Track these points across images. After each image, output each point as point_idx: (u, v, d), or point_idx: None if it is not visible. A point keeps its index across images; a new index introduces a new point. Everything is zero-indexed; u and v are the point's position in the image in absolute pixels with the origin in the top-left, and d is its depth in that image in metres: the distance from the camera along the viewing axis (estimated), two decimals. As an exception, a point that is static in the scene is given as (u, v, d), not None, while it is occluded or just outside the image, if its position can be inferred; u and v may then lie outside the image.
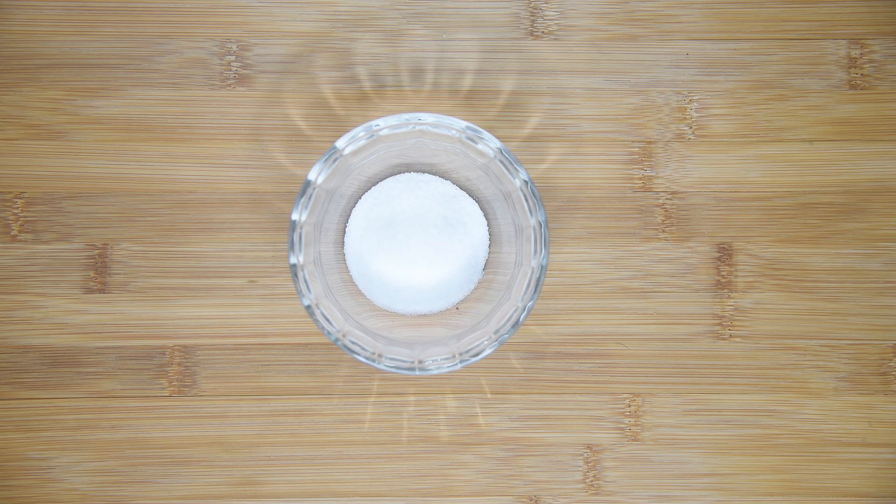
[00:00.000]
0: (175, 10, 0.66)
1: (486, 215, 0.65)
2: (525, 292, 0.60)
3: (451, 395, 0.66)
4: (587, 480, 0.67)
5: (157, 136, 0.66)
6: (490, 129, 0.66)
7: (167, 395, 0.66)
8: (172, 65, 0.66)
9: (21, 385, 0.66)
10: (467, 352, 0.60)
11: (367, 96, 0.66)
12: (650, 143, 0.67)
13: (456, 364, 0.60)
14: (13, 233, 0.66)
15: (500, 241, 0.65)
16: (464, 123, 0.59)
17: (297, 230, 0.60)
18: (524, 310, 0.60)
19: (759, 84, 0.67)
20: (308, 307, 0.60)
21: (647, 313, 0.67)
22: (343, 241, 0.65)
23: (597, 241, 0.67)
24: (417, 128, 0.60)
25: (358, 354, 0.60)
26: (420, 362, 0.60)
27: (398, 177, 0.65)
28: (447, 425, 0.66)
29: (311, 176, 0.60)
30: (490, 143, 0.60)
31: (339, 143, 0.60)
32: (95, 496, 0.66)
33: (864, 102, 0.67)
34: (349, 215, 0.65)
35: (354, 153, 0.60)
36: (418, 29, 0.66)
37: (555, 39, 0.67)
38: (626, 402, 0.67)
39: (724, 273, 0.67)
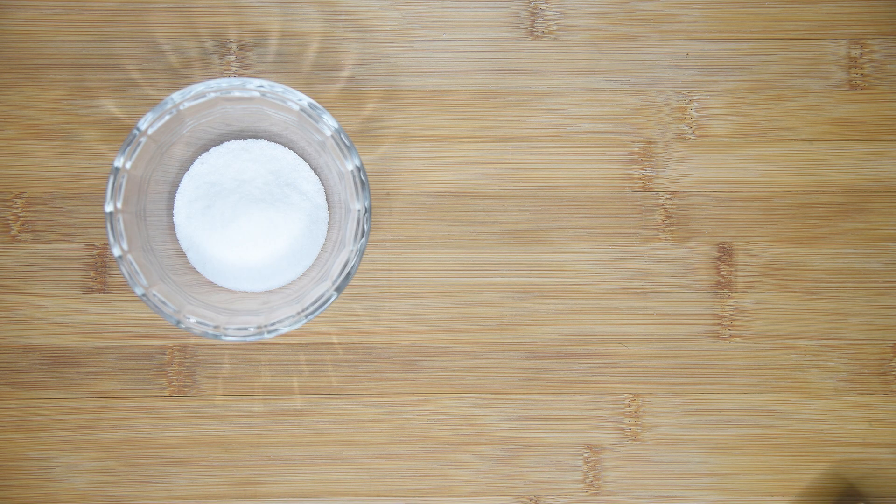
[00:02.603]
0: (175, 10, 0.66)
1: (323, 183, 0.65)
2: (340, 274, 0.60)
3: (451, 395, 0.66)
4: (587, 480, 0.67)
5: (157, 136, 0.66)
6: (490, 129, 0.66)
7: (167, 395, 0.66)
8: (172, 65, 0.66)
9: (21, 385, 0.66)
10: (312, 304, 0.60)
11: (367, 96, 0.66)
12: (650, 143, 0.67)
13: (301, 320, 0.60)
14: (13, 233, 0.66)
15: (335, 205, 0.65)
16: (306, 99, 0.59)
17: (117, 177, 0.59)
18: (338, 289, 0.60)
19: (759, 84, 0.67)
20: (143, 296, 0.59)
21: (647, 313, 0.67)
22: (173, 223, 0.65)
23: (597, 241, 0.67)
24: (250, 93, 0.59)
25: (202, 329, 0.60)
26: (266, 326, 0.60)
27: (226, 144, 0.64)
28: (447, 425, 0.66)
29: (141, 126, 0.59)
30: (329, 123, 0.60)
31: (175, 97, 0.59)
32: (95, 496, 0.66)
33: (864, 102, 0.67)
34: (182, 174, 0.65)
35: (190, 111, 0.60)
36: (418, 29, 0.66)
37: (555, 39, 0.67)
38: (626, 402, 0.67)
39: (724, 273, 0.67)
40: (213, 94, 0.59)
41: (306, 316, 0.60)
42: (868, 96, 0.67)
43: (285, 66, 0.66)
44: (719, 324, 0.67)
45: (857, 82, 0.67)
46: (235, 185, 0.63)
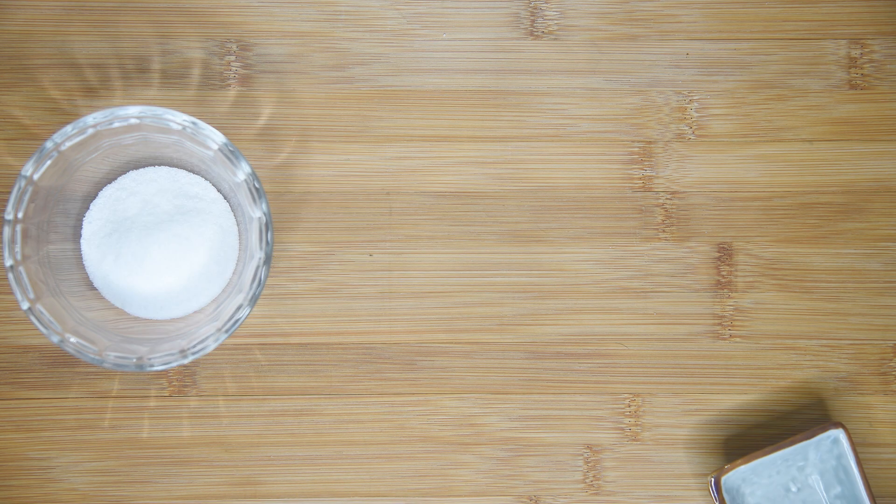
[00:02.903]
0: (175, 10, 0.66)
1: (229, 201, 0.65)
2: (252, 284, 0.60)
3: (451, 395, 0.66)
4: (587, 480, 0.67)
5: (157, 136, 0.66)
6: (490, 129, 0.66)
7: (167, 395, 0.66)
8: (172, 65, 0.66)
9: (21, 385, 0.66)
10: (192, 347, 0.60)
11: (366, 96, 0.66)
12: (650, 143, 0.67)
13: (221, 337, 0.59)
14: (194, 117, 0.66)
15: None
16: (183, 117, 0.59)
17: (13, 228, 0.59)
18: (252, 301, 0.59)
19: (759, 84, 0.67)
20: (27, 309, 0.59)
21: (647, 313, 0.67)
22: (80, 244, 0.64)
23: (597, 241, 0.67)
24: (130, 122, 0.59)
25: (83, 355, 0.59)
26: (147, 359, 0.59)
27: (126, 176, 0.64)
28: (447, 425, 0.66)
29: (26, 171, 0.59)
30: (214, 138, 0.59)
31: (54, 139, 0.58)
32: (95, 496, 0.66)
33: (864, 102, 0.67)
34: (83, 217, 0.64)
35: (74, 149, 0.59)
36: (418, 29, 0.66)
37: (555, 39, 0.67)
38: (626, 402, 0.67)
39: (724, 273, 0.67)
40: (91, 130, 0.59)
41: (225, 332, 0.60)
42: (868, 96, 0.67)
43: (285, 65, 0.66)
44: (719, 324, 0.67)
45: (857, 82, 0.67)
46: (136, 217, 0.62)
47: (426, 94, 0.66)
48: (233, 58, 0.66)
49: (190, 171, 0.65)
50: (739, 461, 0.63)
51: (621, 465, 0.67)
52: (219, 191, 0.64)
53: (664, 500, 0.67)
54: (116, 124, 0.59)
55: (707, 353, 0.67)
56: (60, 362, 0.66)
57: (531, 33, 0.67)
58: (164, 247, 0.62)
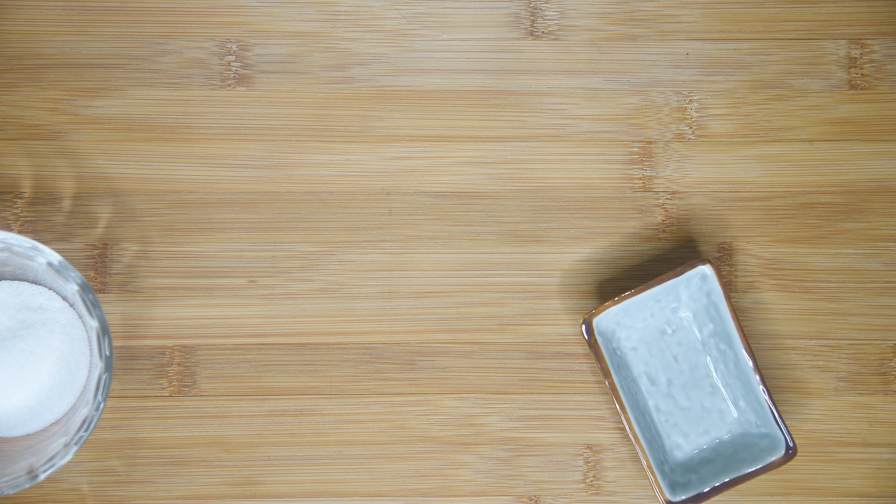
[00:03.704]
0: (175, 10, 0.66)
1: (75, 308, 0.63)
2: (95, 394, 0.58)
3: (451, 395, 0.66)
4: (587, 480, 0.67)
5: (157, 136, 0.66)
6: (490, 129, 0.66)
7: (167, 395, 0.66)
8: (172, 65, 0.66)
9: (21, 385, 0.66)
10: (46, 463, 0.58)
11: (367, 96, 0.66)
12: (650, 143, 0.67)
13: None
14: (13, 233, 0.66)
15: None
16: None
17: None
18: (96, 410, 0.58)
19: (759, 84, 0.67)
20: None
21: (647, 313, 0.67)
22: None
23: (597, 241, 0.67)
24: None
25: None
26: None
27: None
28: (447, 425, 0.66)
29: None
30: (47, 256, 0.58)
31: None
32: (95, 496, 0.66)
33: (864, 102, 0.67)
34: None
35: None
36: (418, 29, 0.67)
37: (555, 39, 0.67)
38: (626, 402, 0.67)
39: (724, 273, 0.67)
40: None
41: (75, 444, 0.58)
42: (868, 96, 0.67)
43: (285, 65, 0.66)
44: (719, 324, 0.67)
45: (857, 82, 0.67)
46: None
47: (426, 94, 0.66)
48: (233, 58, 0.66)
49: (32, 281, 0.63)
50: (609, 303, 0.62)
51: (621, 465, 0.67)
52: (63, 298, 0.63)
53: (664, 500, 0.67)
54: None
55: (707, 353, 0.67)
56: (60, 362, 0.66)
57: (531, 33, 0.67)
58: (10, 364, 0.61)
